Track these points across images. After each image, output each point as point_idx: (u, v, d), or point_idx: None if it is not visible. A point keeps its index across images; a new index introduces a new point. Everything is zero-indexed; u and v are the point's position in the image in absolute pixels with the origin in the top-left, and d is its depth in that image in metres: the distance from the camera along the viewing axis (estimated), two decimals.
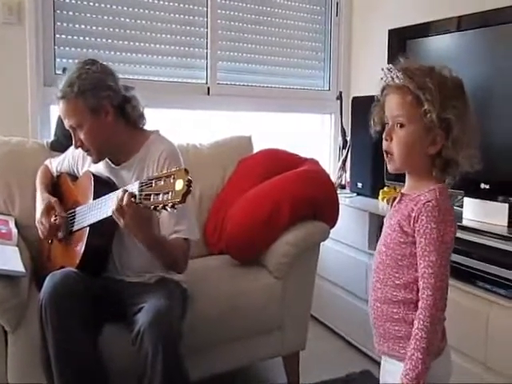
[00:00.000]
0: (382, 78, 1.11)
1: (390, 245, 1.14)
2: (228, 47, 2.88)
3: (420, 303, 1.05)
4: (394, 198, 1.17)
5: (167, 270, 1.62)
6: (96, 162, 1.70)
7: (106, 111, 1.62)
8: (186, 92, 2.71)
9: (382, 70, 1.11)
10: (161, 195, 1.24)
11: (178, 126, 2.72)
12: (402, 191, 1.16)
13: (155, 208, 1.26)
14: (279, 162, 2.27)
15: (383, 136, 1.11)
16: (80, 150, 1.71)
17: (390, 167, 1.12)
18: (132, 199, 1.35)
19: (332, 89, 3.25)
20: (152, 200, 1.27)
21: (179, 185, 1.20)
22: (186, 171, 1.23)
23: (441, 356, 1.12)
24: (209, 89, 2.79)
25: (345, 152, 2.87)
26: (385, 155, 1.11)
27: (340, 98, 3.03)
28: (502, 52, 1.88)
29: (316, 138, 3.27)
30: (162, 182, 1.25)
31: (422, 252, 1.05)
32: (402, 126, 1.08)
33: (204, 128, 2.79)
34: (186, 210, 1.59)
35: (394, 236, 1.12)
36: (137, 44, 2.62)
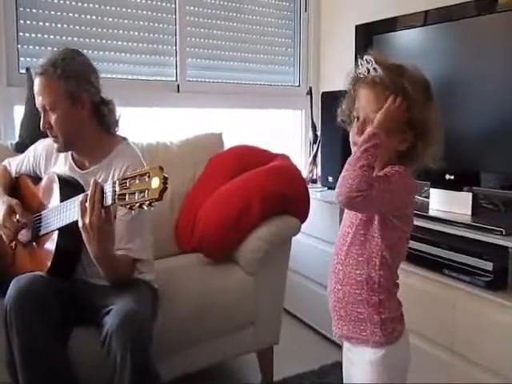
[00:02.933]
0: (357, 69, 1.11)
1: (351, 222, 1.16)
2: (197, 44, 2.87)
3: None
4: None
5: (109, 282, 1.57)
6: (61, 150, 1.67)
7: (82, 103, 1.60)
8: (155, 89, 2.69)
9: (359, 59, 1.11)
10: (136, 194, 1.23)
11: (148, 124, 2.70)
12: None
13: (131, 207, 1.25)
14: (250, 158, 2.26)
15: (353, 129, 1.11)
16: (41, 148, 1.67)
17: None
18: (99, 203, 1.35)
19: (302, 84, 3.25)
20: (127, 200, 1.26)
21: (155, 183, 1.20)
22: (161, 168, 1.22)
23: (400, 340, 1.14)
24: (178, 86, 2.78)
25: (315, 147, 2.88)
26: (352, 146, 1.13)
27: (310, 93, 3.05)
28: (465, 46, 1.92)
29: (287, 133, 3.27)
30: (137, 181, 1.24)
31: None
32: (372, 121, 1.09)
33: (174, 126, 2.77)
34: (141, 227, 1.60)
35: (353, 213, 1.15)
36: (103, 41, 2.59)
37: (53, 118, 1.58)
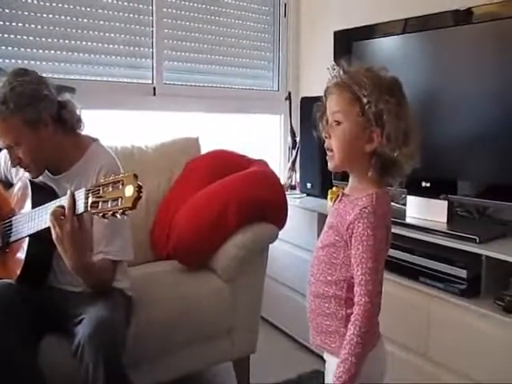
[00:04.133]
0: (328, 79, 1.13)
1: (325, 242, 1.14)
2: (175, 46, 2.83)
3: (356, 309, 1.06)
4: (338, 196, 1.18)
5: (90, 289, 1.53)
6: (35, 177, 1.61)
7: (44, 123, 1.53)
8: (131, 92, 2.63)
9: (328, 69, 1.13)
10: (109, 202, 1.21)
11: (124, 127, 2.65)
12: (344, 191, 1.16)
13: (104, 216, 1.22)
14: (227, 163, 2.24)
15: (323, 134, 1.11)
16: None
17: (330, 165, 1.12)
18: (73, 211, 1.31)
19: (281, 89, 3.21)
20: (100, 208, 1.23)
21: (129, 191, 1.17)
22: (136, 176, 1.19)
23: (373, 350, 1.12)
24: (155, 89, 2.72)
25: (294, 152, 2.85)
26: (327, 153, 1.12)
27: (289, 98, 3.02)
28: (442, 55, 1.92)
29: (266, 138, 3.23)
30: (110, 189, 1.22)
31: (360, 259, 1.05)
32: (339, 123, 1.08)
33: (150, 129, 2.72)
34: (120, 227, 1.56)
35: (330, 234, 1.13)
36: (78, 43, 2.53)
37: (20, 151, 1.52)
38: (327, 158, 1.11)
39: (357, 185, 1.13)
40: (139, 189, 1.17)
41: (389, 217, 1.12)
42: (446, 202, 1.88)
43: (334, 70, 1.10)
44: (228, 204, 1.95)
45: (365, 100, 1.05)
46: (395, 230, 1.68)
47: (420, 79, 1.95)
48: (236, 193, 2.00)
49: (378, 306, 1.07)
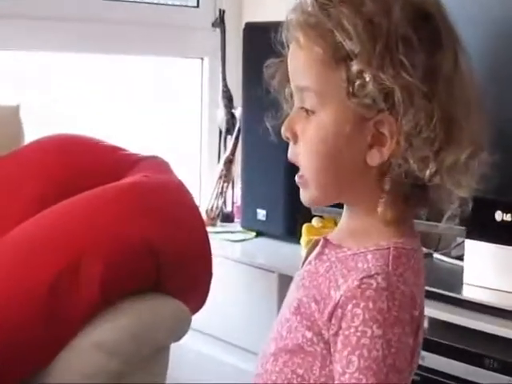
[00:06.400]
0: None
1: (284, 342, 0.80)
2: None
3: None
4: (316, 243, 0.82)
5: None
6: None
7: None
8: None
9: None
10: None
11: None
12: (329, 236, 0.81)
13: None
14: (79, 163, 1.56)
15: (282, 131, 0.77)
16: None
17: (303, 196, 0.78)
18: None
19: (203, 5, 2.15)
20: None
21: None
22: None
23: None
24: None
25: (231, 140, 2.00)
26: (296, 178, 0.79)
27: (221, 23, 2.12)
28: None
29: (168, 109, 2.21)
30: None
31: (351, 373, 0.71)
32: (308, 112, 0.73)
33: None
34: None
35: (295, 325, 0.78)
36: None
37: None
38: (297, 182, 0.79)
39: (355, 226, 0.78)
40: None
41: (421, 294, 0.76)
42: None
43: None
44: (81, 255, 1.38)
45: (359, 59, 0.68)
46: (442, 312, 1.38)
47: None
48: (99, 232, 1.40)
49: None
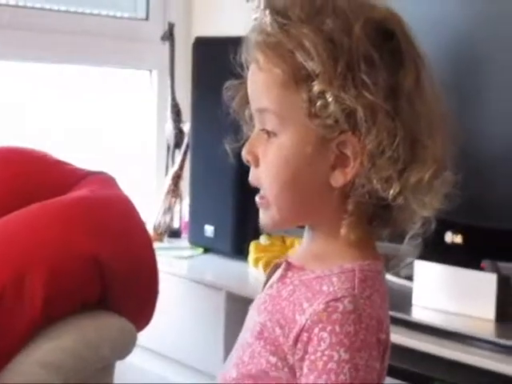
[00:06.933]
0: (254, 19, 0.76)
1: (247, 368, 0.79)
2: None
3: None
4: (277, 266, 0.82)
5: None
6: None
7: None
8: None
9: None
10: None
11: None
12: (290, 259, 0.80)
13: None
14: (25, 176, 1.55)
15: (242, 154, 0.77)
16: None
17: (263, 219, 0.77)
18: None
19: (153, 17, 2.16)
20: None
21: None
22: None
23: None
24: None
25: (180, 154, 2.00)
26: (256, 198, 0.78)
27: (170, 36, 2.09)
28: None
29: (117, 123, 2.18)
30: None
31: None
32: (272, 134, 0.73)
33: None
34: None
35: (258, 350, 0.78)
36: None
37: None
38: (257, 203, 0.78)
39: (318, 248, 0.78)
40: None
41: (387, 317, 0.76)
42: (494, 276, 1.26)
43: (265, 8, 0.73)
44: (26, 272, 1.38)
45: (320, 80, 0.68)
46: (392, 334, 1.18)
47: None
48: (44, 247, 1.39)
49: None
